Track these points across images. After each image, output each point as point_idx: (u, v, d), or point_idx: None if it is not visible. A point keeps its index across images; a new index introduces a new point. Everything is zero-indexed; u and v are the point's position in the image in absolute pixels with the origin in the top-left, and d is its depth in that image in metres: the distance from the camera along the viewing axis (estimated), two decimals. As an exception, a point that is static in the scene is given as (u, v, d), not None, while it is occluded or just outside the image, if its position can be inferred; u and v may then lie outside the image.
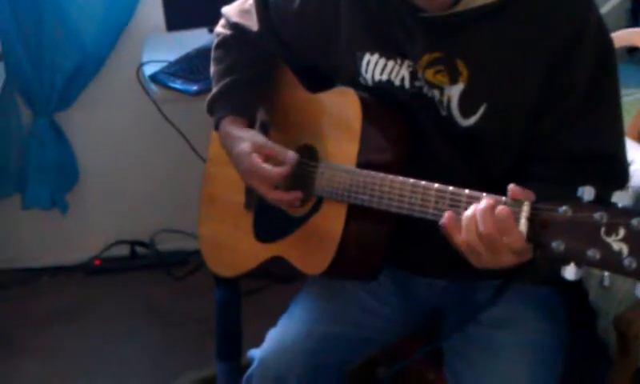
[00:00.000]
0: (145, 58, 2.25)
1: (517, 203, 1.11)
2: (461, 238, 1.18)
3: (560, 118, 1.30)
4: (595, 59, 1.29)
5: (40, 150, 2.56)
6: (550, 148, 1.32)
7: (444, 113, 1.36)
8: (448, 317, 1.52)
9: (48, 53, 2.39)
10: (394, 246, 1.41)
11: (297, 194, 1.45)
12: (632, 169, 1.57)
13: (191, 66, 2.17)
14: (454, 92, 1.34)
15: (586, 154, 1.30)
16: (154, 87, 2.14)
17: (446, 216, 1.19)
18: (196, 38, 2.26)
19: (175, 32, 2.28)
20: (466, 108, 1.34)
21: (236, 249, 1.65)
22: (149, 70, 2.18)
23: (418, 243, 1.39)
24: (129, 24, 2.45)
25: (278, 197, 1.47)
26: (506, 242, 1.12)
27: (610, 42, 1.33)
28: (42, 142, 2.55)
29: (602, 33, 1.31)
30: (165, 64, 2.18)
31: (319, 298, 1.53)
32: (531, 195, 1.13)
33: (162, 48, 2.28)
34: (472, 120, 1.34)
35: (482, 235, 1.14)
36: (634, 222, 0.96)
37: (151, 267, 2.76)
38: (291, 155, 1.44)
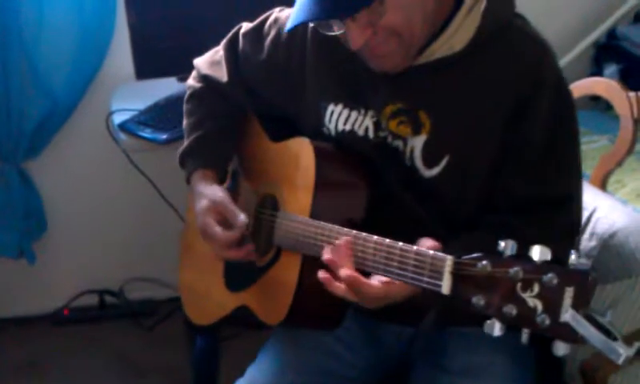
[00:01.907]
0: (114, 107, 2.24)
1: (440, 258, 1.12)
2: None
3: (518, 168, 1.32)
4: (554, 111, 1.31)
5: (8, 198, 2.53)
6: (508, 197, 1.33)
7: (408, 163, 1.37)
8: (416, 366, 1.52)
9: (16, 101, 2.37)
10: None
11: (248, 248, 1.47)
12: (596, 216, 1.60)
13: (161, 114, 2.17)
14: (417, 143, 1.36)
15: (542, 203, 1.32)
16: (123, 136, 2.13)
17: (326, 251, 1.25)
18: (165, 87, 2.26)
19: (144, 81, 2.28)
20: (429, 159, 1.35)
21: (209, 297, 1.66)
22: (118, 118, 2.18)
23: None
24: (98, 72, 2.45)
25: (232, 255, 1.48)
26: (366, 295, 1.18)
27: (569, 93, 1.36)
28: (9, 190, 2.52)
29: (561, 84, 1.34)
30: (134, 113, 2.18)
31: (285, 346, 1.53)
32: (437, 246, 1.17)
33: (131, 97, 2.28)
34: (435, 171, 1.35)
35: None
36: (547, 278, 0.97)
37: (120, 317, 2.73)
38: (241, 219, 1.45)
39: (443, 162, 1.35)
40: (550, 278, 0.96)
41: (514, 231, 1.29)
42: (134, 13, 2.21)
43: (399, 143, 1.38)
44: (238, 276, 1.58)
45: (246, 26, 1.63)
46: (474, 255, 1.06)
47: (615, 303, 1.51)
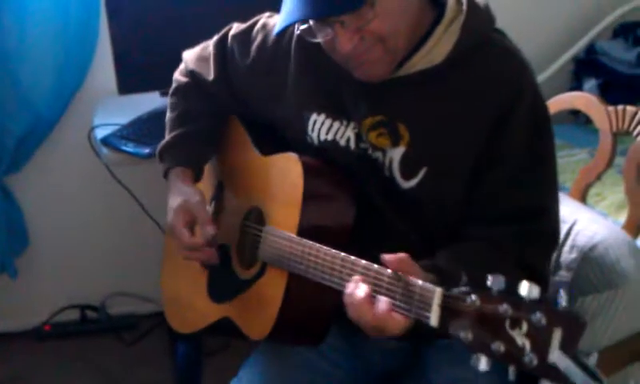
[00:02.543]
0: (96, 122, 2.24)
1: (429, 289, 1.12)
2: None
3: (495, 181, 1.33)
4: (531, 125, 1.33)
5: (-11, 214, 2.52)
6: (485, 210, 1.35)
7: (387, 174, 1.38)
8: (401, 379, 1.52)
9: (-2, 116, 2.37)
10: (342, 306, 1.42)
11: (210, 253, 1.50)
12: (576, 228, 1.61)
13: (143, 129, 2.16)
14: (396, 155, 1.37)
15: (519, 215, 1.33)
16: (105, 150, 2.13)
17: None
18: (148, 101, 2.26)
19: (127, 95, 2.28)
20: (407, 171, 1.36)
21: (193, 306, 1.65)
22: (100, 133, 2.18)
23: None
24: (81, 87, 2.44)
25: (193, 258, 1.53)
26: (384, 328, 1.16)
27: (545, 108, 1.37)
28: (-10, 205, 2.51)
29: (537, 99, 1.35)
30: (117, 127, 2.18)
31: (268, 362, 1.52)
32: (405, 258, 1.15)
33: (113, 111, 2.28)
34: (413, 182, 1.36)
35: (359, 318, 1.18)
36: (535, 317, 0.97)
37: (102, 332, 2.72)
38: (208, 231, 1.48)
39: (421, 174, 1.36)
40: (539, 317, 0.96)
41: (492, 244, 1.31)
42: (117, 27, 2.20)
43: (379, 155, 1.39)
44: (222, 287, 1.57)
45: (236, 26, 1.63)
46: (463, 289, 1.06)
47: (596, 316, 1.52)
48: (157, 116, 2.15)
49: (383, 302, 1.16)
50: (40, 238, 2.66)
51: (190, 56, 1.69)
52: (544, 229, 1.36)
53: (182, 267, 1.67)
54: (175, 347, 2.35)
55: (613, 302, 1.52)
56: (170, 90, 1.70)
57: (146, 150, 2.06)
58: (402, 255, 1.16)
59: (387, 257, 1.16)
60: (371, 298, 1.18)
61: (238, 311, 1.51)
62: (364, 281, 1.21)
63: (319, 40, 1.32)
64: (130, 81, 2.26)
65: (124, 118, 2.21)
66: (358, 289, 1.19)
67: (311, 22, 1.32)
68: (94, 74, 2.44)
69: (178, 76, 1.70)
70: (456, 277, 1.16)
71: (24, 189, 2.57)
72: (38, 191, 2.59)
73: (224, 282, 1.55)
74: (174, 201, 1.53)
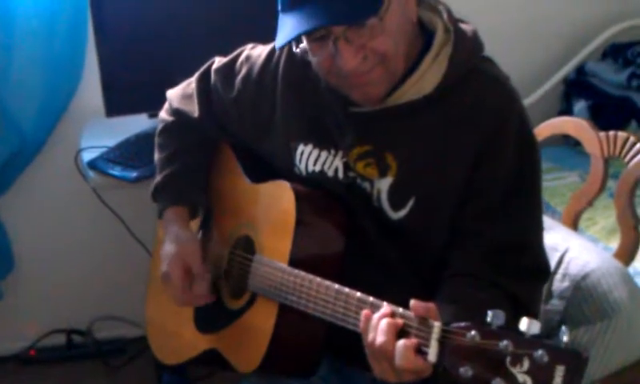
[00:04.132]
0: (83, 144, 2.22)
1: (428, 324, 1.10)
2: (366, 343, 1.17)
3: (482, 210, 1.33)
4: (517, 154, 1.32)
5: (-26, 237, 2.50)
6: (471, 239, 1.34)
7: (376, 205, 1.37)
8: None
9: (-17, 138, 2.34)
10: (334, 337, 1.39)
11: (206, 298, 1.49)
12: (568, 256, 1.60)
13: (131, 151, 2.14)
14: (383, 185, 1.36)
15: (504, 245, 1.32)
16: (92, 174, 2.11)
17: (364, 313, 1.18)
18: (136, 124, 2.24)
19: (115, 117, 2.26)
20: (396, 201, 1.35)
21: (179, 336, 1.63)
22: (87, 156, 2.15)
23: (357, 334, 1.38)
24: (67, 109, 2.42)
25: (188, 305, 1.52)
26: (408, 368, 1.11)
27: (531, 138, 1.37)
28: (-24, 228, 2.49)
29: (523, 129, 1.35)
30: (104, 150, 2.16)
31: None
32: (433, 309, 1.12)
33: (101, 133, 2.26)
34: (402, 213, 1.35)
35: (383, 352, 1.13)
36: (537, 354, 0.96)
37: (88, 357, 2.68)
38: (203, 288, 1.47)
39: (409, 205, 1.35)
40: (541, 355, 0.95)
41: (481, 280, 1.29)
42: (105, 49, 2.19)
43: (367, 185, 1.38)
44: (210, 317, 1.55)
45: (218, 61, 1.62)
46: (463, 324, 1.05)
47: (589, 347, 1.50)
48: (145, 139, 2.13)
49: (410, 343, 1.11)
50: (26, 261, 2.62)
51: (173, 94, 1.68)
52: (533, 261, 1.35)
53: (167, 297, 1.64)
54: (161, 375, 2.32)
55: (606, 333, 1.51)
56: (157, 130, 1.68)
57: (134, 174, 2.04)
58: (430, 304, 1.13)
59: (416, 303, 1.13)
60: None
61: (225, 342, 1.48)
62: (358, 313, 1.19)
63: (316, 59, 1.31)
64: (117, 103, 2.24)
65: (111, 141, 2.19)
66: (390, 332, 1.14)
67: (305, 42, 1.30)
68: (81, 95, 2.42)
69: (164, 115, 1.68)
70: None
71: (10, 211, 2.54)
72: (24, 214, 2.57)
73: (211, 312, 1.53)
74: (169, 248, 1.50)
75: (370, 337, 1.15)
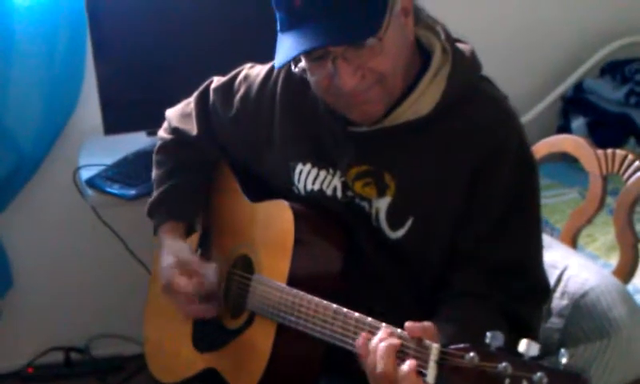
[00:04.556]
0: (81, 162, 2.22)
1: (425, 345, 1.10)
2: (367, 370, 1.16)
3: (481, 230, 1.32)
4: (515, 173, 1.32)
5: (-28, 255, 2.49)
6: (470, 259, 1.33)
7: (374, 224, 1.37)
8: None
9: (-18, 156, 2.34)
10: (332, 357, 1.39)
11: (214, 306, 1.45)
12: (567, 274, 1.60)
13: (129, 169, 2.14)
14: (382, 205, 1.36)
15: (504, 266, 1.32)
16: (90, 192, 2.11)
17: (362, 336, 1.18)
18: (134, 142, 2.24)
19: (113, 135, 2.26)
20: (394, 221, 1.35)
21: (176, 355, 1.62)
22: (85, 173, 2.15)
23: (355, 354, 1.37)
24: (66, 127, 2.42)
25: (197, 310, 1.47)
26: None
27: (529, 158, 1.37)
28: (-26, 246, 2.48)
29: (521, 150, 1.35)
30: (102, 167, 2.16)
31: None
32: (430, 328, 1.12)
33: (99, 151, 2.26)
34: (400, 233, 1.35)
35: (385, 377, 1.12)
36: (537, 376, 0.95)
37: (86, 374, 2.66)
38: (212, 273, 1.44)
39: (408, 224, 1.35)
40: (540, 377, 0.95)
41: (481, 301, 1.29)
42: (103, 67, 2.19)
43: (365, 205, 1.38)
44: (208, 336, 1.55)
45: (217, 80, 1.62)
46: (461, 346, 1.04)
47: (588, 365, 1.50)
48: (143, 156, 2.12)
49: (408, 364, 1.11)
50: (24, 279, 2.61)
51: (172, 114, 1.68)
52: (528, 283, 1.35)
53: (165, 315, 1.64)
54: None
55: (605, 351, 1.50)
56: (155, 148, 1.68)
57: (132, 192, 2.04)
58: (426, 324, 1.13)
59: (410, 325, 1.13)
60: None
61: (224, 362, 1.48)
62: (356, 334, 1.18)
63: (315, 78, 1.31)
64: (115, 121, 2.23)
65: (109, 159, 2.19)
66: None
67: (304, 62, 1.30)
68: (80, 113, 2.42)
69: (163, 133, 1.69)
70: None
71: (8, 229, 2.53)
72: (22, 231, 2.56)
73: (210, 331, 1.53)
74: (166, 260, 1.50)
75: (370, 361, 1.15)
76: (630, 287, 1.71)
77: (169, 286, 1.48)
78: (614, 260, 1.85)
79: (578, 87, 2.82)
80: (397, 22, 1.27)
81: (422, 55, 1.36)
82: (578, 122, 2.76)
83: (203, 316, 1.48)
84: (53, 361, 2.69)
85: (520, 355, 0.97)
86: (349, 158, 1.38)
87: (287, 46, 1.28)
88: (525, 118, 2.67)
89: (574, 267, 1.61)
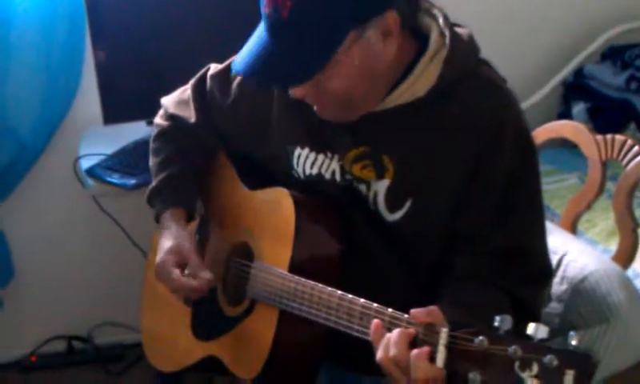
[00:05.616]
0: (81, 152, 2.22)
1: (435, 330, 1.10)
2: (379, 355, 1.16)
3: (482, 214, 1.32)
4: (515, 157, 1.32)
5: (-27, 245, 2.50)
6: (473, 243, 1.33)
7: (372, 207, 1.37)
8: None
9: (-18, 147, 2.34)
10: (334, 343, 1.39)
11: (199, 284, 1.44)
12: (566, 260, 1.60)
13: (129, 159, 2.15)
14: (380, 187, 1.36)
15: (507, 250, 1.32)
16: (90, 181, 2.11)
17: (375, 323, 1.18)
18: (133, 131, 2.24)
19: (113, 125, 2.26)
20: (392, 203, 1.35)
21: (175, 343, 1.62)
22: (85, 163, 2.16)
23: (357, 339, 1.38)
24: (66, 117, 2.42)
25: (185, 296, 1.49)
26: (423, 378, 1.10)
27: (529, 142, 1.36)
28: (-25, 236, 2.48)
29: (521, 134, 1.34)
30: (102, 157, 2.16)
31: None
32: (435, 311, 1.12)
33: (99, 141, 2.26)
34: (398, 215, 1.35)
35: (397, 363, 1.13)
36: (547, 358, 0.95)
37: (89, 363, 2.68)
38: (205, 275, 1.43)
39: (406, 207, 1.35)
40: (551, 359, 0.95)
41: (485, 284, 1.29)
42: (102, 57, 2.19)
43: (363, 187, 1.38)
44: (208, 324, 1.55)
45: (214, 67, 1.62)
46: (471, 329, 1.04)
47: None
48: (143, 146, 2.13)
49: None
50: (25, 269, 2.62)
51: (169, 101, 1.67)
52: (532, 267, 1.35)
53: (163, 303, 1.64)
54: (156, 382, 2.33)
55: (604, 336, 1.50)
56: (152, 135, 1.68)
57: (132, 181, 2.04)
58: (431, 308, 1.13)
59: (415, 311, 1.13)
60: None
61: (224, 349, 1.48)
62: (362, 319, 1.19)
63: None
64: (115, 110, 2.24)
65: (109, 148, 2.19)
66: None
67: None
68: (80, 103, 2.41)
69: (159, 120, 1.68)
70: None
71: (9, 219, 2.54)
72: (23, 221, 2.57)
73: (209, 319, 1.53)
74: (166, 243, 1.49)
75: (383, 347, 1.15)
76: (630, 272, 1.71)
77: (161, 266, 1.47)
78: (613, 245, 1.86)
79: (579, 73, 2.82)
80: (360, 50, 1.24)
81: (418, 39, 1.35)
82: (579, 108, 2.75)
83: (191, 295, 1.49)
84: (55, 350, 2.71)
85: (529, 338, 0.98)
86: (347, 140, 1.38)
87: (243, 54, 1.30)
88: (525, 104, 2.66)
89: (573, 252, 1.61)
